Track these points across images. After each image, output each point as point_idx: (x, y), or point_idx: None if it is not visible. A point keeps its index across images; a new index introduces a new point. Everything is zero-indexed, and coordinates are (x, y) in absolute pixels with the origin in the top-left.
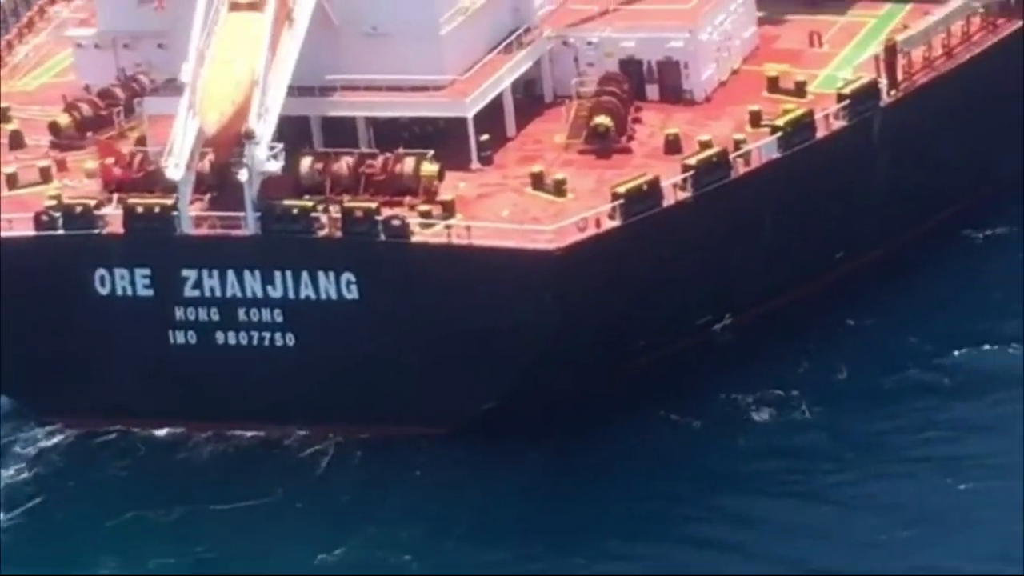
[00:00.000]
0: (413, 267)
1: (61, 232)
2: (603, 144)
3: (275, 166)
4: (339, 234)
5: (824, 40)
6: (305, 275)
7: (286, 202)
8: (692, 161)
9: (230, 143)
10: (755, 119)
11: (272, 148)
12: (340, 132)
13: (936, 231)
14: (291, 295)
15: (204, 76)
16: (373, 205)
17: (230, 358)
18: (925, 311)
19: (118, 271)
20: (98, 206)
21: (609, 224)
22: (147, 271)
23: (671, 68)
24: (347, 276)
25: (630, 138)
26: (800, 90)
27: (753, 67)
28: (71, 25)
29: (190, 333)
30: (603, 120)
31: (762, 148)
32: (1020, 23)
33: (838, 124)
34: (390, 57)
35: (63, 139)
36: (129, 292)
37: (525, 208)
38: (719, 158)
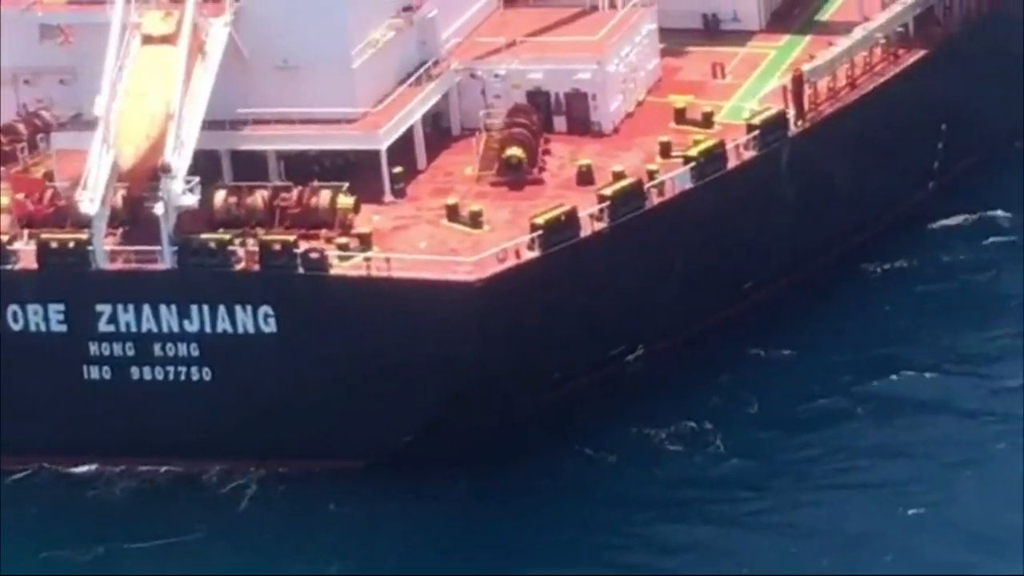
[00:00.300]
0: (332, 300)
1: None
2: (515, 176)
3: (191, 200)
4: (257, 267)
5: (727, 71)
6: (222, 309)
7: (203, 236)
8: (608, 192)
9: (145, 177)
10: (665, 150)
11: (188, 182)
12: (250, 166)
13: (839, 262)
14: (208, 329)
15: (118, 110)
16: (291, 238)
17: (146, 393)
18: (831, 341)
19: (31, 307)
20: (10, 241)
21: (528, 255)
22: (61, 306)
23: (579, 100)
24: (265, 309)
25: (541, 169)
26: (707, 121)
27: (658, 98)
28: None
29: (105, 368)
30: (515, 152)
31: (675, 178)
32: (920, 53)
33: (748, 154)
34: (301, 90)
35: None
36: (43, 328)
37: (442, 240)
38: (634, 188)
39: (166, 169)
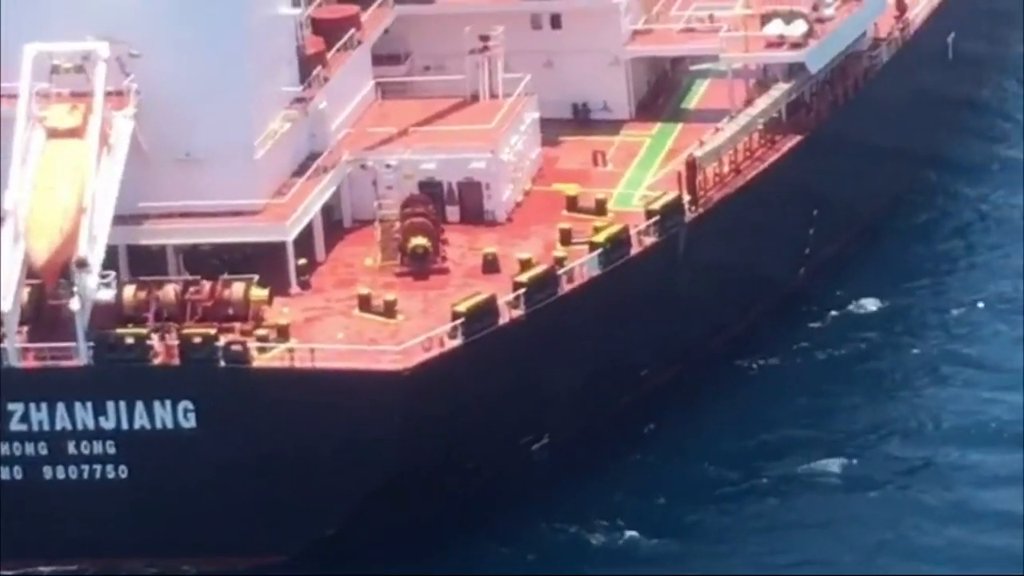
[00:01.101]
0: (254, 392)
1: None
2: (421, 265)
3: (108, 294)
4: (176, 361)
5: (607, 160)
6: (140, 405)
7: (119, 330)
8: (524, 278)
9: (58, 272)
10: (565, 237)
11: (104, 276)
12: (147, 261)
13: (724, 350)
14: (124, 426)
15: (28, 205)
16: (212, 331)
17: (59, 493)
18: (724, 427)
19: None
20: None
21: (451, 344)
22: None
23: (473, 189)
24: (184, 404)
25: (443, 259)
26: (601, 208)
27: (542, 187)
28: None
29: (16, 469)
30: (421, 241)
31: (585, 265)
32: (794, 139)
33: (649, 240)
34: (203, 182)
35: None
36: None
37: (359, 331)
38: (547, 275)
39: (83, 264)
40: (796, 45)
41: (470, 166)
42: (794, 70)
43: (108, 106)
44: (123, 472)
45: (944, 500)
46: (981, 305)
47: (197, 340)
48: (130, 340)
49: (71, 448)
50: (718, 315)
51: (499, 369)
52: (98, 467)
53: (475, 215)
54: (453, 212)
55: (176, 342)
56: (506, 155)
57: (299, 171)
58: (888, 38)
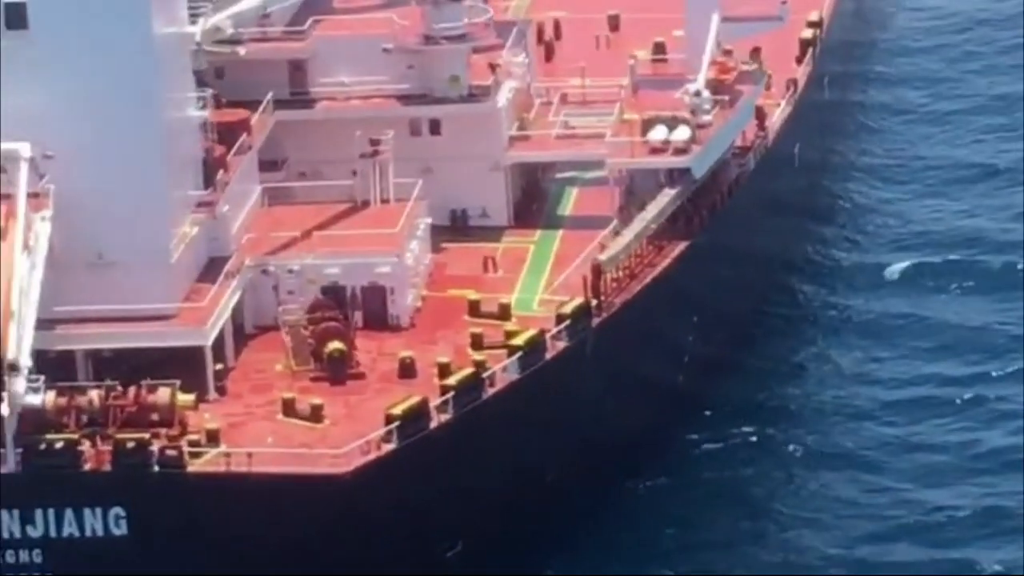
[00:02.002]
0: (189, 498)
1: None
2: (337, 370)
3: (37, 399)
4: (108, 467)
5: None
6: (69, 512)
7: (48, 436)
8: (452, 381)
9: None
10: (477, 342)
11: (32, 380)
12: (55, 366)
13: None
14: (53, 533)
15: None
16: (146, 435)
17: None
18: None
19: None
20: None
21: (387, 447)
22: None
23: (376, 293)
24: (116, 511)
25: (357, 363)
26: (505, 313)
27: (436, 293)
28: None
29: None
30: (338, 346)
31: (508, 368)
32: (681, 245)
33: (560, 344)
34: (115, 285)
35: None
36: None
37: (287, 435)
38: (474, 379)
39: (13, 367)
40: (680, 151)
41: (376, 271)
42: (674, 176)
43: (28, 207)
44: None
45: None
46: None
47: (130, 445)
48: (60, 445)
49: None
50: (620, 418)
51: (428, 473)
52: None
53: (379, 320)
54: (356, 317)
55: (108, 447)
56: (409, 259)
57: (202, 276)
58: (752, 146)
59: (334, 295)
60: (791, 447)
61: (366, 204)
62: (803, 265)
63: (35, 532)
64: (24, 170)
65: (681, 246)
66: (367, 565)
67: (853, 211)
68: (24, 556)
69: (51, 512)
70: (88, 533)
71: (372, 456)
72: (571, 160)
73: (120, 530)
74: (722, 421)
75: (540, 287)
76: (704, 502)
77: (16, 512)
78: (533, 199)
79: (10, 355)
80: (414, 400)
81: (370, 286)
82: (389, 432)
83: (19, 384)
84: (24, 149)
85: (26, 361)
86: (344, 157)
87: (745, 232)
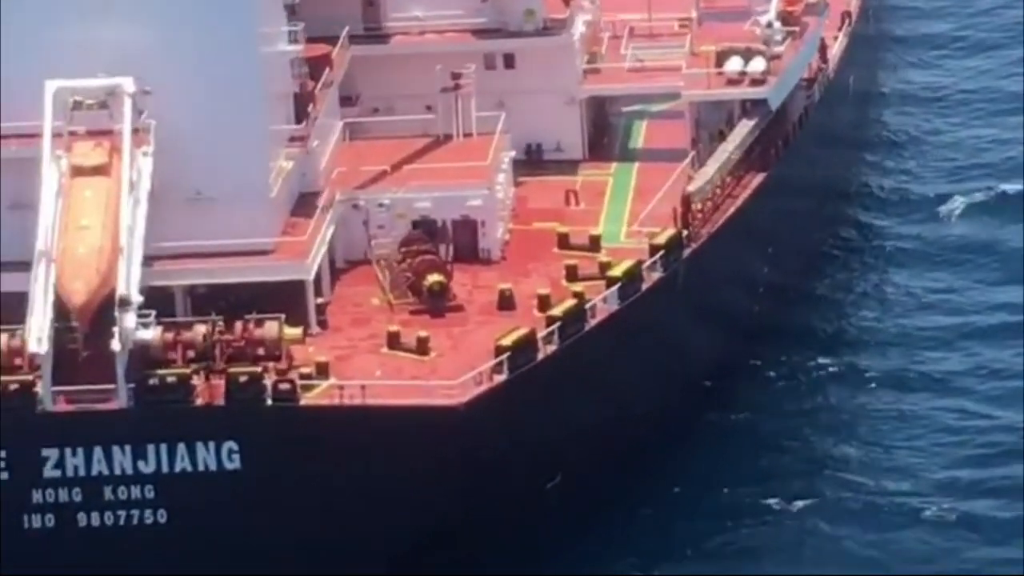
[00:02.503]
0: (302, 431)
1: None
2: (437, 303)
3: (148, 334)
4: (221, 401)
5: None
6: (181, 447)
7: (160, 371)
8: (558, 312)
9: (94, 313)
10: (572, 274)
11: (143, 316)
12: (153, 303)
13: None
14: (165, 469)
15: (62, 246)
16: (258, 369)
17: (93, 540)
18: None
19: None
20: None
21: (498, 378)
22: (2, 453)
23: (467, 227)
24: (229, 445)
25: (454, 296)
26: (595, 245)
27: (522, 226)
28: None
29: (48, 516)
30: (438, 278)
31: (608, 299)
32: (760, 176)
33: (655, 276)
34: (214, 222)
35: None
36: None
37: (395, 367)
38: (578, 310)
39: (125, 303)
40: (757, 82)
41: (467, 204)
42: (748, 108)
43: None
44: (162, 516)
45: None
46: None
47: (243, 379)
48: (172, 380)
49: (108, 493)
50: (706, 349)
51: (533, 404)
52: (136, 512)
53: (469, 253)
54: (446, 250)
55: (220, 381)
56: (499, 192)
57: (295, 211)
58: (816, 78)
59: (425, 229)
60: (870, 374)
61: (448, 138)
62: (866, 195)
63: (147, 468)
64: (128, 105)
65: (759, 178)
66: (474, 497)
67: (906, 141)
68: (136, 492)
69: (163, 448)
70: (201, 468)
71: (484, 387)
72: (645, 93)
73: (233, 464)
74: (799, 350)
75: (625, 219)
76: (793, 430)
77: (128, 448)
78: (603, 133)
79: (121, 290)
80: (523, 331)
81: (461, 219)
82: (499, 363)
83: (130, 320)
84: (128, 84)
85: (137, 297)
86: (418, 92)
87: (813, 163)
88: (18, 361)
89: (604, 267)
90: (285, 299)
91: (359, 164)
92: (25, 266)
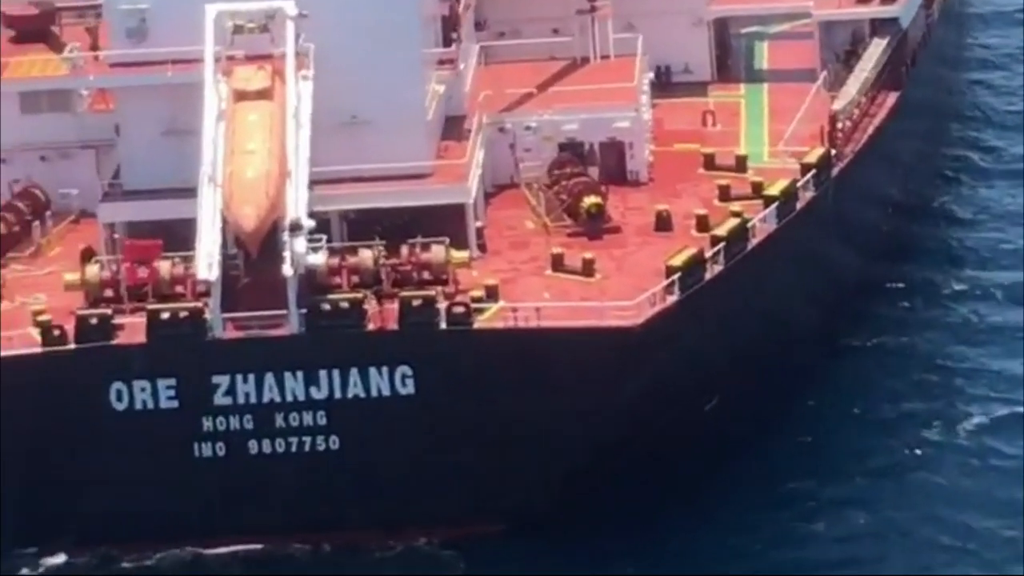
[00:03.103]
0: (477, 355)
1: (72, 347)
2: (595, 225)
3: (318, 259)
4: (394, 326)
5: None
6: (354, 372)
7: (332, 296)
8: (723, 232)
9: (262, 239)
10: (724, 194)
11: (314, 240)
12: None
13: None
14: (337, 395)
15: (228, 171)
16: (431, 293)
17: (264, 467)
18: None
19: (138, 383)
20: (113, 316)
21: (671, 299)
22: (172, 381)
23: (615, 149)
24: (402, 370)
25: (609, 218)
26: (741, 165)
27: (663, 147)
28: None
29: (219, 444)
30: (596, 200)
31: (767, 219)
32: (894, 96)
33: (808, 195)
34: (369, 146)
35: None
36: (150, 405)
37: (562, 290)
38: (742, 230)
39: (296, 227)
40: (887, 0)
41: (614, 125)
42: (876, 27)
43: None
44: (334, 443)
45: None
46: None
47: (417, 303)
48: (345, 305)
49: (279, 420)
50: (848, 270)
51: (700, 325)
52: (308, 439)
53: (617, 175)
54: (593, 173)
55: (392, 306)
56: (646, 114)
57: (444, 135)
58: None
59: (572, 151)
60: (999, 292)
61: (585, 61)
62: (979, 116)
63: (319, 394)
64: (291, 29)
65: (891, 97)
66: (641, 419)
67: (1007, 62)
68: (308, 418)
69: (336, 373)
70: (374, 393)
71: (658, 308)
72: (775, 13)
73: (407, 389)
74: (928, 269)
75: (765, 139)
76: (935, 349)
77: (300, 374)
78: (726, 55)
79: (292, 215)
80: (691, 251)
81: (608, 141)
82: (671, 284)
83: (300, 244)
84: (289, 7)
85: (307, 221)
86: (544, 15)
87: (935, 82)
88: (179, 288)
89: (757, 187)
90: (438, 223)
91: (502, 87)
92: (180, 193)
